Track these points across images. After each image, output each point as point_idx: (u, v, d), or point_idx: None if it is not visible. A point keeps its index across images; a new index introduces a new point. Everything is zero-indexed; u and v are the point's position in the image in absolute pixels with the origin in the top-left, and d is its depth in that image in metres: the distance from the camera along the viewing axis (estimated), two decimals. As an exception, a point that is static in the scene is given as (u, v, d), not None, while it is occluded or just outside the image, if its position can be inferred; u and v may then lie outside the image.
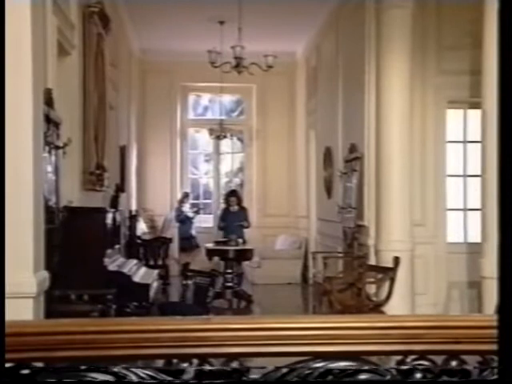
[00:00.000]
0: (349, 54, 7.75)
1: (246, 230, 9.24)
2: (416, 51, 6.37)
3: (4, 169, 2.02)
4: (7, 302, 1.50)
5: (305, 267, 10.24)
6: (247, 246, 8.69)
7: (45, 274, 3.27)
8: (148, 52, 10.82)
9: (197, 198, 11.93)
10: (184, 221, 10.52)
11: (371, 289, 6.00)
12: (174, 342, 1.13)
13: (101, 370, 1.12)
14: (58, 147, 4.39)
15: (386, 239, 6.17)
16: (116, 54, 8.20)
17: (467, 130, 7.00)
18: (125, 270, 5.13)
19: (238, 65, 8.00)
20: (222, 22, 8.88)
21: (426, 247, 6.68)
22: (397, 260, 5.82)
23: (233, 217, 9.10)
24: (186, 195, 10.91)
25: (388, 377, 1.15)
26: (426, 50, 6.83)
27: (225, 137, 10.72)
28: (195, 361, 1.14)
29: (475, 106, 6.16)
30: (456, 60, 6.66)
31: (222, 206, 9.88)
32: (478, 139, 5.57)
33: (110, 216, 5.19)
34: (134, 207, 9.88)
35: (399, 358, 1.18)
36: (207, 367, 1.14)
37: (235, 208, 9.20)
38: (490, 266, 4.73)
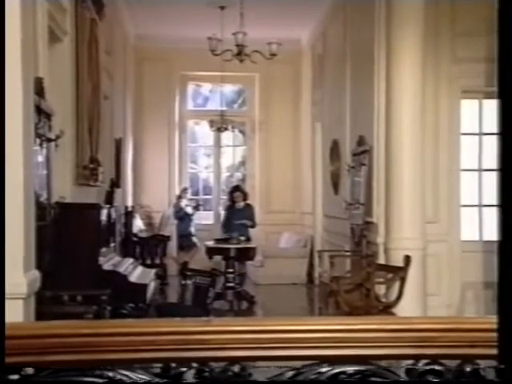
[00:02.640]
0: (357, 41, 7.73)
1: (251, 229, 9.21)
2: (428, 38, 6.35)
3: (4, 169, 2.03)
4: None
5: (310, 266, 10.24)
6: (249, 245, 8.69)
7: (36, 274, 3.27)
8: (144, 38, 10.81)
9: (196, 193, 11.93)
10: (183, 217, 10.52)
11: (380, 289, 6.00)
12: (172, 345, 1.14)
13: (95, 375, 1.13)
14: (49, 140, 4.39)
15: (396, 237, 6.17)
16: (110, 41, 8.19)
17: (483, 121, 6.99)
18: (120, 270, 5.14)
19: (240, 53, 7.99)
20: (222, 7, 8.85)
21: (438, 245, 6.68)
22: (408, 259, 5.82)
23: (237, 214, 9.06)
24: (184, 190, 10.91)
25: (398, 382, 1.15)
26: (439, 36, 6.81)
27: (226, 129, 10.71)
28: (195, 365, 1.14)
29: (491, 95, 6.14)
30: (471, 47, 6.64)
31: (226, 202, 9.86)
32: (494, 131, 5.56)
33: (104, 212, 5.20)
34: (129, 203, 9.90)
35: (410, 362, 1.18)
36: (207, 371, 1.14)
37: (241, 205, 9.16)
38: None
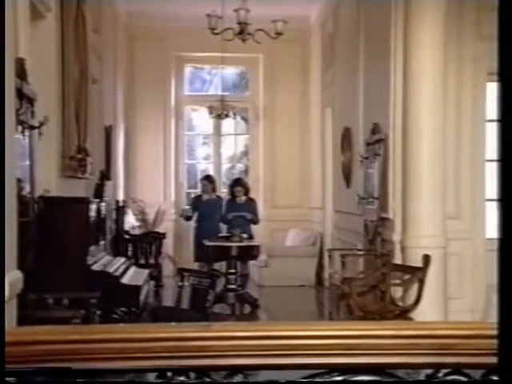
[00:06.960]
0: (372, 17, 7.71)
1: (253, 226, 9.22)
2: (451, 13, 6.33)
3: (4, 168, 2.03)
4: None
5: (319, 267, 10.26)
6: (252, 243, 8.70)
7: (18, 275, 3.28)
8: (137, 16, 10.80)
9: (194, 186, 11.94)
10: (202, 217, 9.53)
11: (397, 292, 6.00)
12: (168, 352, 1.14)
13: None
14: (32, 127, 4.40)
15: (414, 234, 6.17)
16: (99, 18, 8.19)
17: (510, 106, 6.97)
18: (111, 270, 5.16)
19: (243, 31, 7.97)
20: (223, -19, 8.84)
21: (461, 244, 6.68)
22: (427, 259, 5.83)
23: (239, 210, 9.08)
24: (206, 179, 9.90)
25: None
26: (462, 11, 6.79)
27: (227, 116, 10.70)
28: (193, 374, 1.15)
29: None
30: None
31: (227, 196, 9.84)
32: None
33: (93, 207, 5.21)
34: (121, 197, 9.91)
35: (430, 371, 1.18)
36: (207, 381, 1.14)
37: (242, 199, 9.18)
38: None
